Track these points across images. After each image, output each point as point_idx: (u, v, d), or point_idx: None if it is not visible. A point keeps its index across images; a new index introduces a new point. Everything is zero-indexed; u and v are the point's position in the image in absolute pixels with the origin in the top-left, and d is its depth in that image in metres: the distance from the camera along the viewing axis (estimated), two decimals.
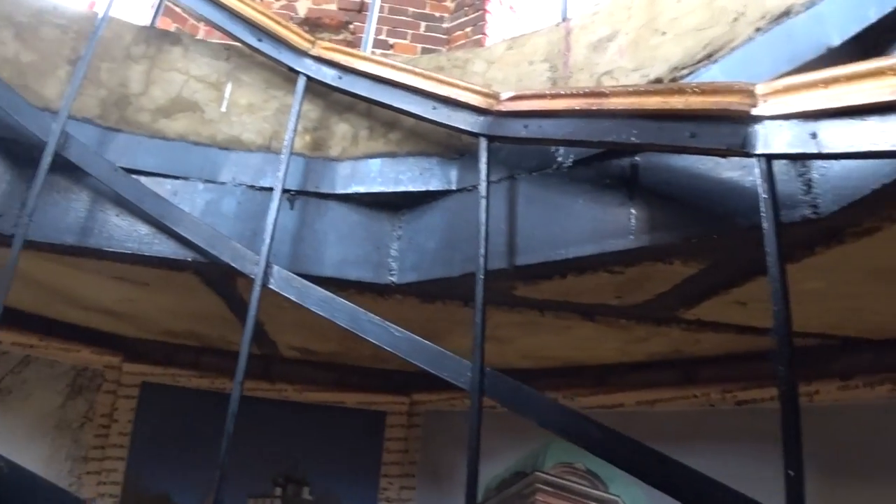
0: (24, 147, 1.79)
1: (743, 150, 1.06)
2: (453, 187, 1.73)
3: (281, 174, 1.71)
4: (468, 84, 1.61)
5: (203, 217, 1.83)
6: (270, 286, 1.64)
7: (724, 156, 1.21)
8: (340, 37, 4.85)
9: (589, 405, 2.57)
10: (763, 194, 1.04)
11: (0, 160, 1.85)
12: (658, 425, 2.34)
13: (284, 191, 1.82)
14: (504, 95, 1.53)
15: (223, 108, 1.95)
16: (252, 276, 1.64)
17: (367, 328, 1.51)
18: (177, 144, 1.90)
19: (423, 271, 1.72)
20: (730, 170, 1.25)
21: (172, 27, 4.24)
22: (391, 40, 4.72)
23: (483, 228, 1.46)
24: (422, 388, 3.11)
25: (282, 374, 3.24)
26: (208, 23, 1.93)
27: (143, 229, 1.81)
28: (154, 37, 2.02)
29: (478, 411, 1.30)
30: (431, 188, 1.75)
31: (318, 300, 1.58)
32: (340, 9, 4.84)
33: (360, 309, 1.54)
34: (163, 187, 1.86)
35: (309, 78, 1.83)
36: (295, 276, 1.64)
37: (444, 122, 1.62)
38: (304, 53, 1.85)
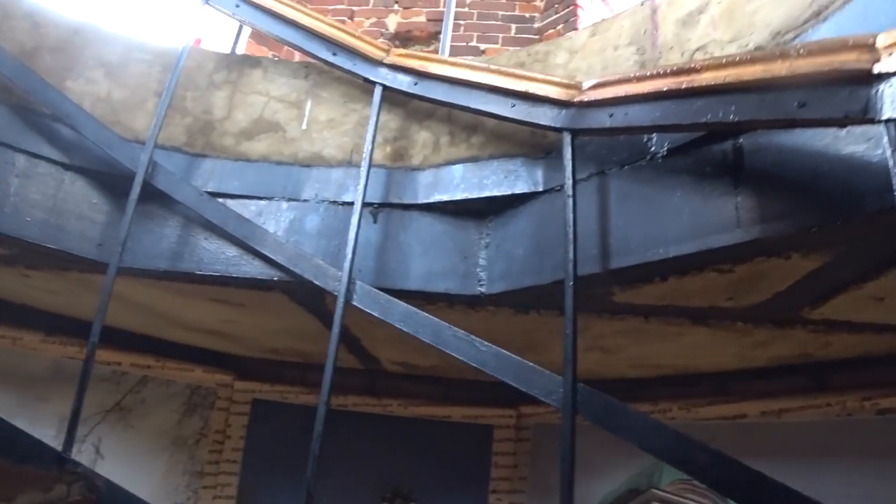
0: (121, 179, 1.84)
1: (865, 116, 0.89)
2: (540, 188, 1.62)
3: (360, 188, 1.67)
4: (547, 76, 1.50)
5: (287, 236, 1.82)
6: (354, 303, 1.59)
7: (842, 126, 1.03)
8: (431, 48, 4.84)
9: (707, 416, 2.36)
10: (895, 168, 0.87)
11: (101, 193, 1.92)
12: (786, 438, 2.10)
13: (366, 204, 1.78)
14: (586, 84, 1.41)
15: (303, 126, 1.94)
16: (335, 293, 1.60)
17: (451, 342, 1.42)
18: (260, 166, 1.91)
19: (513, 280, 1.62)
20: (852, 143, 1.07)
21: (267, 53, 4.38)
22: (482, 46, 4.66)
23: (570, 231, 1.34)
24: (529, 400, 2.97)
25: (387, 389, 3.21)
26: (285, 43, 1.92)
27: (231, 251, 1.81)
28: (235, 62, 2.05)
29: (571, 431, 1.18)
30: (517, 191, 1.65)
31: (401, 315, 1.51)
32: (430, 20, 4.84)
33: (444, 323, 1.46)
34: (247, 209, 1.87)
35: (385, 87, 1.78)
36: (378, 290, 1.59)
37: (523, 119, 1.52)
38: (378, 63, 1.80)
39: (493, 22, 4.72)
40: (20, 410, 2.81)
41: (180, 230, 1.88)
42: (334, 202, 1.83)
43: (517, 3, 4.77)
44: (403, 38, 4.85)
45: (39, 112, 1.87)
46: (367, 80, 1.82)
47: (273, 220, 1.85)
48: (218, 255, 1.83)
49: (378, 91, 1.78)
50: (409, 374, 3.13)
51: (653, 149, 1.41)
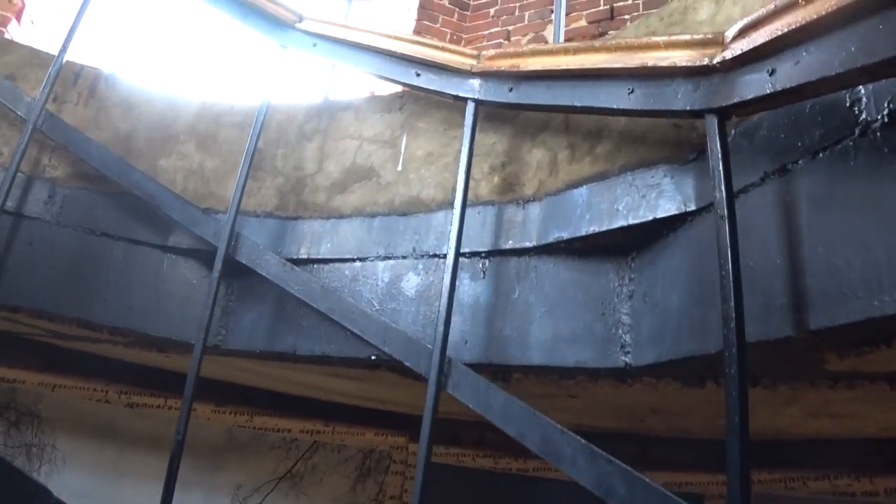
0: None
1: None
2: (692, 206, 1.10)
3: (453, 235, 1.28)
4: (671, 37, 1.00)
5: (384, 303, 1.48)
6: (448, 390, 1.19)
7: None
8: None
9: None
10: None
11: (201, 272, 1.75)
12: None
13: (471, 254, 1.39)
14: (730, 31, 0.90)
15: (399, 167, 1.61)
16: (427, 378, 1.22)
17: (565, 454, 0.96)
18: (353, 222, 1.60)
19: (668, 345, 1.10)
20: None
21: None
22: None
23: (728, 269, 0.83)
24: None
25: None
26: (369, 73, 1.62)
27: (326, 327, 1.52)
28: (325, 107, 1.79)
29: None
30: (661, 214, 1.14)
31: (501, 409, 1.08)
32: (591, 22, 4.36)
33: (557, 426, 1.00)
34: (341, 273, 1.57)
35: (477, 102, 1.39)
36: (474, 373, 1.18)
37: (643, 108, 1.03)
38: (467, 73, 1.41)
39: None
40: (195, 479, 2.80)
41: (277, 305, 1.63)
42: (435, 255, 1.46)
43: None
44: None
45: (134, 195, 1.75)
46: (456, 97, 1.44)
47: (370, 285, 1.52)
48: (314, 333, 1.55)
49: (470, 109, 1.39)
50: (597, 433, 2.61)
51: (863, 116, 0.84)
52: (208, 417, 2.86)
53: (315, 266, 1.61)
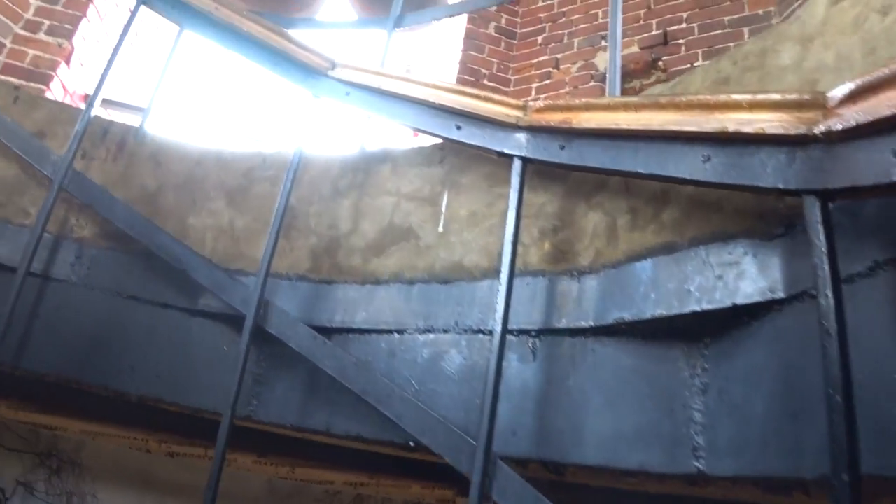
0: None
1: None
2: (780, 294, 0.92)
3: (499, 313, 1.13)
4: (757, 96, 0.84)
5: (423, 383, 1.34)
6: (493, 497, 1.04)
7: None
8: (651, 79, 4.16)
9: None
10: None
11: (231, 338, 1.64)
12: None
13: (520, 331, 1.24)
14: (837, 93, 0.73)
15: (440, 228, 1.47)
16: (468, 475, 1.07)
17: None
18: (390, 288, 1.47)
19: (750, 458, 0.92)
20: None
21: None
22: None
23: (838, 383, 0.66)
24: None
25: None
26: (406, 125, 1.49)
27: (362, 404, 1.38)
28: (361, 160, 1.67)
29: None
30: (741, 301, 0.96)
31: None
32: (643, 48, 4.18)
33: None
34: (377, 346, 1.44)
35: (524, 160, 1.24)
36: (522, 481, 1.02)
37: (727, 181, 0.87)
38: (513, 127, 1.27)
39: (720, 31, 3.91)
40: None
41: (311, 375, 1.50)
42: (478, 331, 1.31)
43: (745, 0, 3.91)
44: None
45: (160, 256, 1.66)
46: (500, 153, 1.29)
47: (408, 361, 1.39)
48: (349, 410, 1.41)
49: (516, 167, 1.24)
50: None
51: None
52: (249, 468, 2.76)
53: (350, 336, 1.48)
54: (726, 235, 1.01)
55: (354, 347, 1.47)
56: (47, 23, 3.82)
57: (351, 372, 1.34)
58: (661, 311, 1.05)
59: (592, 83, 4.28)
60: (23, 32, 3.81)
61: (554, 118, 1.18)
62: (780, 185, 0.78)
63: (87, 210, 1.72)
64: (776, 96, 0.80)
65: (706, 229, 1.04)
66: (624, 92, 4.35)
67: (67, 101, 3.97)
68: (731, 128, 0.83)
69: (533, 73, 4.46)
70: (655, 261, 1.10)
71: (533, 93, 4.37)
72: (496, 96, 1.32)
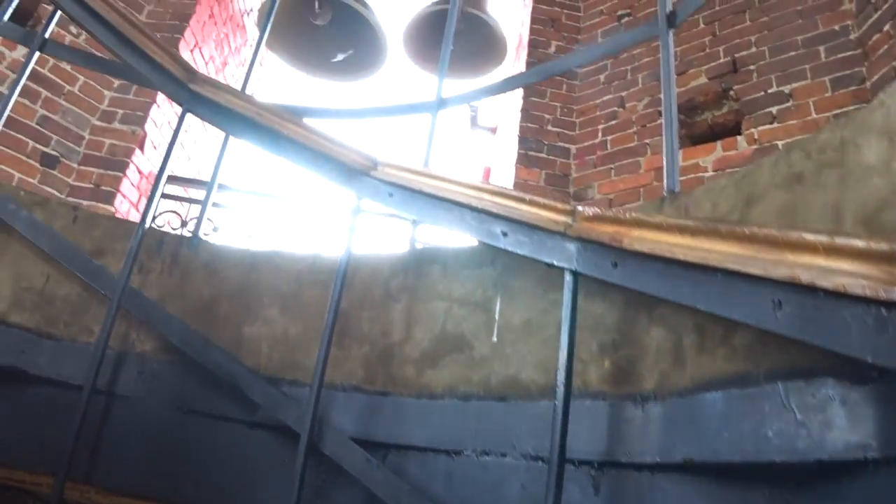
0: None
1: None
2: (873, 453, 0.78)
3: (554, 440, 1.03)
4: (835, 240, 0.71)
5: None
6: None
7: None
8: (723, 110, 3.95)
9: None
10: None
11: (291, 451, 1.59)
12: None
13: (581, 462, 1.13)
14: None
15: (494, 338, 1.38)
16: None
17: None
18: (446, 405, 1.38)
19: None
20: None
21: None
22: (786, 88, 3.64)
23: None
24: None
25: None
26: (446, 229, 1.42)
27: None
28: (412, 260, 1.60)
29: None
30: (828, 457, 0.82)
31: None
32: (712, 78, 3.98)
33: None
34: (434, 468, 1.35)
35: (576, 275, 1.14)
36: None
37: (804, 338, 0.75)
38: (562, 236, 1.17)
39: (793, 53, 3.68)
40: None
41: (369, 492, 1.43)
42: (537, 457, 1.20)
43: (819, 17, 3.66)
44: (688, 109, 4.05)
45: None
46: (550, 265, 1.20)
47: (467, 487, 1.29)
48: None
49: (568, 283, 1.15)
50: None
51: None
52: None
53: (408, 454, 1.40)
54: (809, 372, 0.87)
55: (412, 466, 1.39)
56: (121, 112, 4.01)
57: (406, 499, 1.26)
58: (735, 458, 0.92)
59: (660, 121, 4.10)
60: (99, 123, 4.00)
61: (604, 232, 1.07)
62: (869, 358, 0.65)
63: (146, 325, 1.73)
64: (859, 244, 0.67)
65: (785, 362, 0.91)
66: (690, 126, 4.16)
67: (143, 183, 4.14)
68: (804, 278, 0.71)
69: (598, 113, 4.33)
70: (727, 394, 0.97)
71: (599, 135, 4.24)
72: (541, 199, 1.23)
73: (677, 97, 4.01)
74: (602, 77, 4.45)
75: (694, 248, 0.89)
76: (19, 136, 3.76)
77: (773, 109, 3.78)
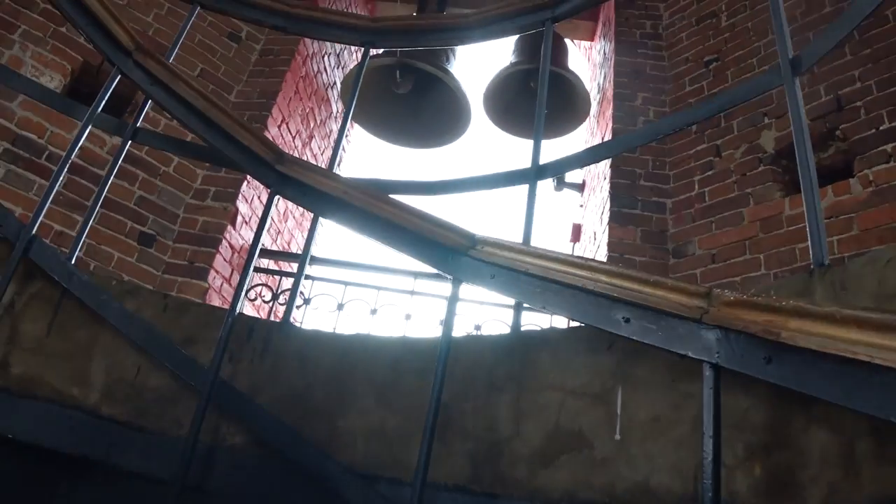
0: None
1: None
2: None
3: None
4: None
5: None
6: None
7: None
8: (830, 152, 3.67)
9: None
10: None
11: None
12: None
13: None
14: None
15: (617, 436, 1.21)
16: None
17: None
18: None
19: None
20: None
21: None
22: None
23: None
24: None
25: None
26: (557, 315, 1.28)
27: None
28: (517, 345, 1.47)
29: None
30: None
31: None
32: (814, 119, 3.72)
33: None
34: None
35: (718, 368, 0.97)
36: None
37: None
38: (696, 322, 1.01)
39: None
40: None
41: None
42: None
43: None
44: (790, 154, 3.77)
45: None
46: (684, 356, 1.04)
47: None
48: None
49: (708, 378, 0.98)
50: None
51: None
52: None
53: None
54: None
55: None
56: (213, 189, 4.11)
57: None
58: None
59: (762, 167, 3.86)
60: (193, 201, 4.12)
61: (754, 321, 0.91)
62: None
63: (236, 417, 1.66)
64: None
65: None
66: (795, 172, 3.88)
67: (235, 258, 4.21)
68: None
69: (693, 164, 4.12)
70: None
71: (696, 187, 4.02)
72: (669, 281, 1.08)
73: (775, 143, 3.76)
74: (694, 126, 4.25)
75: (881, 346, 0.71)
76: (118, 216, 3.90)
77: (888, 147, 3.48)
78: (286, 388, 1.66)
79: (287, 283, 4.76)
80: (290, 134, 4.85)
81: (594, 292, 1.17)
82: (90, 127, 1.95)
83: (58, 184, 1.89)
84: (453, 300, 1.48)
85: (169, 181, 4.12)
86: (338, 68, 5.74)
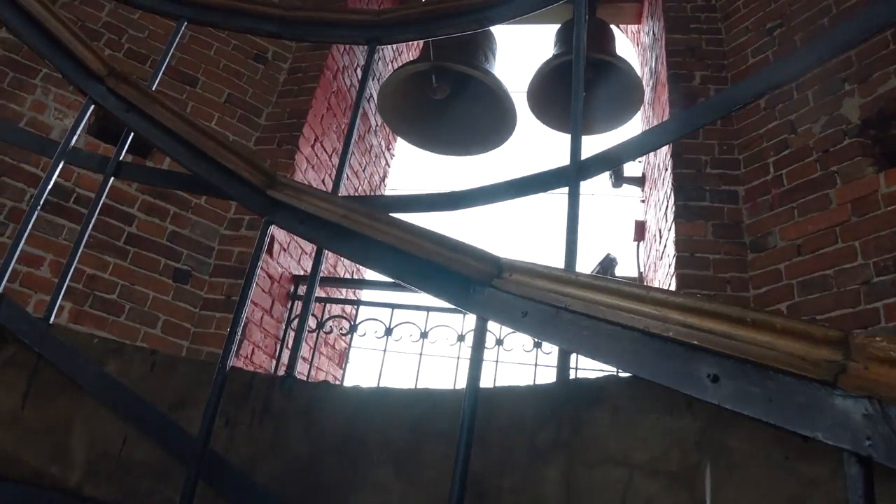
0: None
1: None
2: None
3: None
4: None
5: None
6: None
7: None
8: None
9: None
10: None
11: None
12: None
13: None
14: None
15: None
16: None
17: None
18: None
19: None
20: None
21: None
22: None
23: None
24: None
25: None
26: (612, 367, 0.93)
27: None
28: (564, 400, 1.12)
29: None
30: None
31: None
32: None
33: None
34: None
35: (867, 462, 0.62)
36: None
37: None
38: (829, 387, 0.65)
39: None
40: None
41: None
42: None
43: None
44: (878, 122, 3.28)
45: None
46: (807, 438, 0.68)
47: None
48: None
49: (855, 475, 0.62)
50: None
51: None
52: None
53: None
54: None
55: None
56: (247, 218, 3.90)
57: None
58: None
59: (847, 141, 3.37)
60: (227, 232, 3.92)
61: None
62: None
63: (234, 495, 1.37)
64: None
65: None
66: (885, 142, 3.37)
67: (275, 288, 3.98)
68: None
69: (765, 144, 3.66)
70: None
71: (771, 170, 3.56)
72: (778, 319, 0.72)
73: (860, 111, 3.25)
74: (763, 101, 3.78)
75: None
76: (151, 254, 3.73)
77: None
78: (290, 457, 1.37)
79: (333, 309, 4.52)
80: (326, 152, 4.61)
81: (662, 337, 0.82)
82: (61, 163, 1.71)
83: (23, 238, 1.65)
84: (478, 344, 1.15)
85: (201, 213, 3.94)
86: (372, 80, 5.49)
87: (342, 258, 4.92)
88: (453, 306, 1.29)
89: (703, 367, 0.77)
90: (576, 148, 1.39)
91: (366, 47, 1.86)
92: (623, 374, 1.10)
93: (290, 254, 4.15)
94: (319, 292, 4.57)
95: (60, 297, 1.64)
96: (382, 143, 5.86)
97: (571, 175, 1.38)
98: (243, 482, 1.32)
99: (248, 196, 1.56)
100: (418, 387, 1.41)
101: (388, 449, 1.29)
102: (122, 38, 4.15)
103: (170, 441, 1.42)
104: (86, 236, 1.74)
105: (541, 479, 1.07)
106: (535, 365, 3.75)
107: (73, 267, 1.68)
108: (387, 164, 6.07)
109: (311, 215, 1.44)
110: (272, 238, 3.90)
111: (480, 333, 1.15)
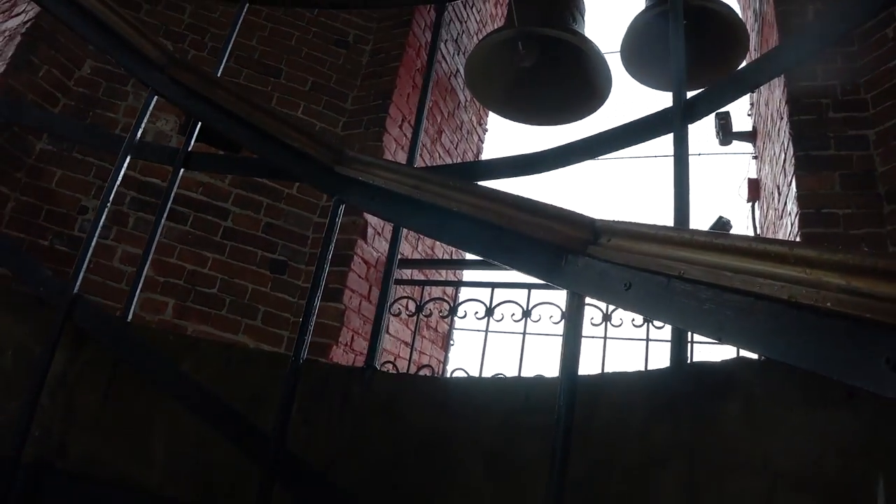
0: None
1: None
2: None
3: None
4: None
5: None
6: None
7: None
8: None
9: None
10: None
11: None
12: None
13: None
14: None
15: None
16: None
17: None
18: None
19: None
20: None
21: None
22: None
23: None
24: None
25: None
26: (755, 352, 0.73)
27: None
28: (683, 389, 0.92)
29: None
30: None
31: None
32: None
33: None
34: None
35: None
36: None
37: None
38: None
39: None
40: None
41: None
42: None
43: None
44: None
45: None
46: None
47: None
48: None
49: None
50: None
51: None
52: None
53: None
54: None
55: None
56: None
57: None
58: None
59: None
60: (320, 220, 3.88)
61: None
62: None
63: (315, 497, 1.26)
64: None
65: None
66: None
67: (371, 273, 3.92)
68: None
69: None
70: None
71: None
72: None
73: None
74: (889, 31, 3.31)
75: None
76: (247, 247, 3.74)
77: None
78: (370, 457, 1.24)
79: (431, 292, 4.41)
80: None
81: (816, 309, 0.61)
82: (128, 158, 1.66)
83: (94, 239, 1.60)
84: (573, 325, 0.97)
85: (293, 203, 3.92)
86: (458, 54, 5.32)
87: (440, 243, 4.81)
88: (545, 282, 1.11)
89: (880, 350, 0.56)
90: (680, 85, 1.16)
91: (443, 15, 1.70)
92: (753, 359, 0.89)
93: (384, 237, 4.07)
94: (418, 275, 4.48)
95: (137, 294, 1.59)
96: (473, 118, 5.68)
97: (676, 115, 1.15)
98: (322, 486, 1.21)
99: (315, 174, 1.44)
100: (514, 374, 1.25)
101: (476, 446, 1.13)
102: (204, 37, 4.19)
103: (245, 440, 1.33)
104: (160, 228, 1.69)
105: (655, 485, 0.88)
106: (647, 340, 3.49)
107: (148, 260, 1.63)
108: (480, 139, 5.89)
109: (383, 189, 1.30)
110: (364, 222, 3.83)
111: (575, 312, 0.97)
